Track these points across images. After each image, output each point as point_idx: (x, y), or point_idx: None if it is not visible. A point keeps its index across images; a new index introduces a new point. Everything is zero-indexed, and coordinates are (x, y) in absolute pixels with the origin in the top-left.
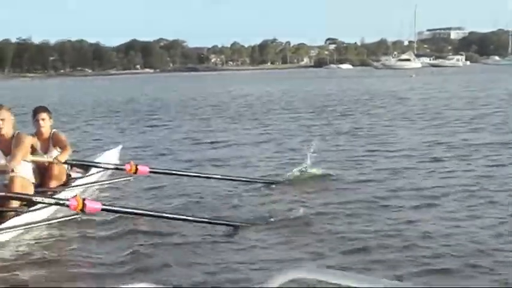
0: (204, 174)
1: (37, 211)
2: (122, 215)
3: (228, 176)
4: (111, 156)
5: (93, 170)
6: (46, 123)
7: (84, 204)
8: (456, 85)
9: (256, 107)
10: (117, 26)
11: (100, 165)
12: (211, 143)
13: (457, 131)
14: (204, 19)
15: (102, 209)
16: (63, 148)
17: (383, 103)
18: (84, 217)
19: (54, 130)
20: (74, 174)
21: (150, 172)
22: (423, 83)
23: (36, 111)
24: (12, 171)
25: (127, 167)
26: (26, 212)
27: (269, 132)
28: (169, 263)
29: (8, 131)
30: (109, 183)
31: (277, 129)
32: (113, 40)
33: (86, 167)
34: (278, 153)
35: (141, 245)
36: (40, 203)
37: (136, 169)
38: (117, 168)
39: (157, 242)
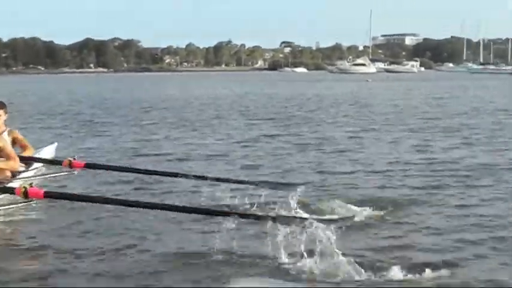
0: (143, 169)
1: None
2: (66, 201)
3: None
4: (47, 153)
5: (35, 164)
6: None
7: (26, 191)
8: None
9: (208, 112)
10: (71, 25)
11: (40, 159)
12: (155, 155)
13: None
14: (158, 19)
15: (45, 195)
16: (24, 147)
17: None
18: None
19: (9, 129)
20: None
21: (86, 166)
22: (382, 89)
23: None
24: None
25: (64, 162)
26: None
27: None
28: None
29: None
30: (50, 177)
31: (232, 139)
32: (66, 38)
33: (26, 162)
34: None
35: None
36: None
37: (71, 163)
38: (55, 162)
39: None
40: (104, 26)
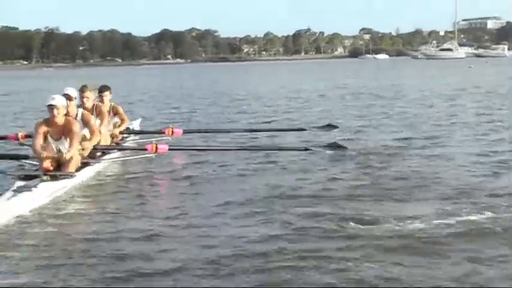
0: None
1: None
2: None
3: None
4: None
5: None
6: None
7: (156, 147)
8: None
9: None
10: (149, 16)
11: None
12: None
13: None
14: (236, 9)
15: (169, 149)
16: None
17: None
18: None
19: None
20: None
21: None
22: (496, 76)
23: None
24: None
25: (167, 131)
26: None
27: None
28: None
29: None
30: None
31: None
32: (144, 30)
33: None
34: None
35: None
36: (128, 148)
37: (172, 131)
38: (159, 132)
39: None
40: (181, 17)
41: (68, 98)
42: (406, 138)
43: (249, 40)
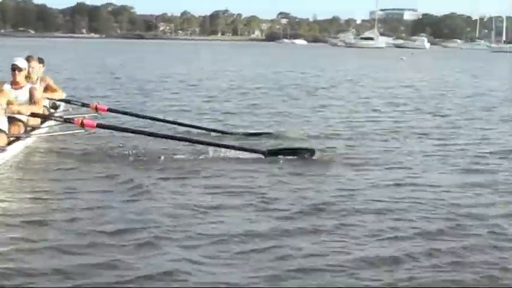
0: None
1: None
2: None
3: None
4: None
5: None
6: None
7: (83, 122)
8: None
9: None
10: None
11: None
12: None
13: None
14: None
15: (97, 126)
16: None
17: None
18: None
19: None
20: None
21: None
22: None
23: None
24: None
25: (91, 105)
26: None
27: None
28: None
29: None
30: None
31: None
32: (59, 2)
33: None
34: None
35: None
36: (55, 119)
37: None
38: (84, 105)
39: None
40: None
41: (17, 68)
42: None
43: (165, 18)
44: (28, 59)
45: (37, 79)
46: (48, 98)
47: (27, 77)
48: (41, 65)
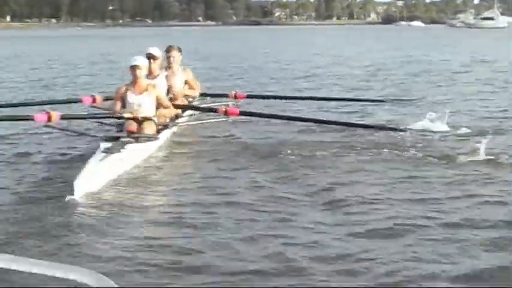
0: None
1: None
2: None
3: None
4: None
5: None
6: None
7: (226, 110)
8: None
9: None
10: None
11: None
12: None
13: None
14: None
15: (240, 113)
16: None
17: None
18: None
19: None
20: None
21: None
22: None
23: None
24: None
25: (230, 95)
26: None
27: None
28: None
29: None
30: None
31: None
32: None
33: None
34: None
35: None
36: (199, 108)
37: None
38: (222, 95)
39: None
40: None
41: (152, 57)
42: None
43: (280, 4)
44: (169, 48)
45: (178, 69)
46: (185, 95)
47: (169, 67)
48: (179, 53)
